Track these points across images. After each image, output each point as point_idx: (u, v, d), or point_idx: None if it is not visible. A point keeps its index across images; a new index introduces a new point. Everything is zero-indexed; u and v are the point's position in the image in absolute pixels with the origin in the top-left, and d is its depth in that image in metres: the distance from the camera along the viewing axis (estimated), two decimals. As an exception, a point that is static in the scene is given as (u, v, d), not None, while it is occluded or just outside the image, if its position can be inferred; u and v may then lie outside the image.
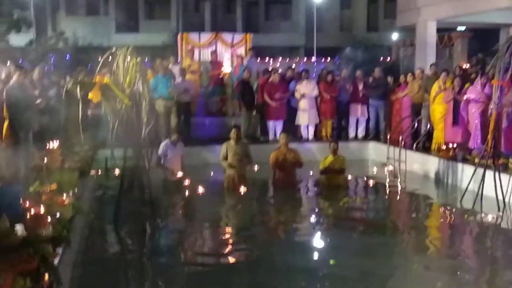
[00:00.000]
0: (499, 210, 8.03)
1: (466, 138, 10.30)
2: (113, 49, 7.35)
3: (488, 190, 8.26)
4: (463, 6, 14.66)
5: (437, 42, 17.32)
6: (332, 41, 26.05)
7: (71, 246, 5.16)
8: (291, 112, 12.62)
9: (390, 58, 21.86)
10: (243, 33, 16.41)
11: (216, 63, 13.94)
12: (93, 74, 9.21)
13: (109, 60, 7.65)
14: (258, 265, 6.14)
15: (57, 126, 9.44)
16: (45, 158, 7.51)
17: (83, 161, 8.46)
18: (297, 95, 12.42)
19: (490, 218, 7.88)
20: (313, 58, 20.31)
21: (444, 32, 18.77)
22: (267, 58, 18.23)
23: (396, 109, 12.46)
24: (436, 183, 10.39)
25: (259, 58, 15.80)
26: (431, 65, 12.81)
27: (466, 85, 10.46)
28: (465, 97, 10.12)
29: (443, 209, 8.84)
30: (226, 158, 9.48)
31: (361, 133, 13.09)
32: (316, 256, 6.69)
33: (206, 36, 14.82)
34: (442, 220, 8.53)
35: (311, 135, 12.72)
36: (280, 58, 18.81)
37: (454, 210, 8.60)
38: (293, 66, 15.22)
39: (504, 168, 8.72)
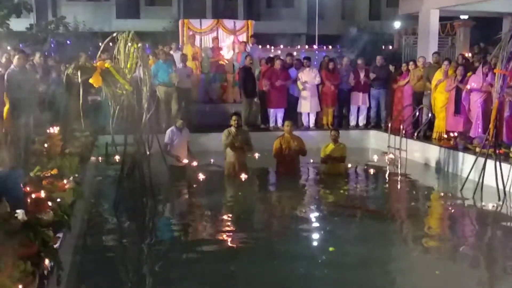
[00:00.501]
0: (499, 199, 8.04)
1: (468, 127, 10.29)
2: (114, 35, 7.30)
3: (489, 179, 8.26)
4: (466, -5, 14.58)
5: (439, 30, 17.21)
6: (334, 29, 25.91)
7: (71, 231, 5.17)
8: (291, 100, 12.58)
9: (392, 47, 21.75)
10: (244, 20, 16.30)
11: (217, 50, 13.88)
12: (93, 59, 9.18)
13: (110, 45, 7.62)
14: (257, 252, 6.16)
15: (58, 111, 9.43)
16: (46, 143, 7.51)
17: (83, 146, 8.46)
18: (299, 84, 12.36)
19: (490, 207, 7.89)
20: (315, 46, 20.22)
21: (447, 21, 18.65)
22: (268, 45, 18.13)
23: (397, 98, 12.43)
24: (437, 172, 10.40)
25: (260, 46, 15.71)
26: (433, 54, 12.75)
27: (468, 74, 10.42)
28: (468, 86, 10.09)
29: (443, 197, 8.84)
30: (227, 145, 9.46)
31: (362, 121, 13.06)
32: (315, 243, 6.71)
33: (207, 23, 14.72)
34: (442, 208, 8.53)
35: (312, 123, 12.70)
36: (282, 46, 18.71)
37: (454, 199, 8.61)
38: (294, 53, 15.15)
39: (505, 158, 8.71)
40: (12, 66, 8.60)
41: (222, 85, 13.76)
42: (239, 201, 8.52)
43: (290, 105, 12.54)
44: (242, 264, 5.82)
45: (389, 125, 11.24)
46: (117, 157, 9.11)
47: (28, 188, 5.26)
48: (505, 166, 8.27)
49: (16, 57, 8.63)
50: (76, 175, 6.42)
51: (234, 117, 9.54)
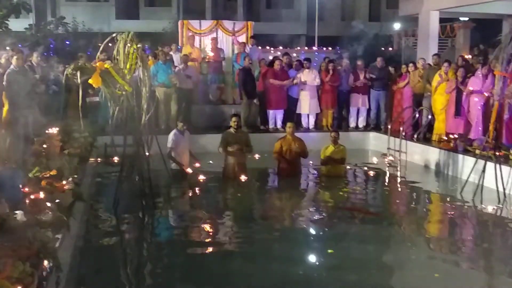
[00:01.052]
0: (499, 202, 8.03)
1: (467, 129, 10.29)
2: (114, 35, 7.29)
3: (489, 181, 8.25)
4: (466, -4, 14.59)
5: (439, 32, 17.23)
6: (334, 30, 25.93)
7: (70, 232, 5.15)
8: (290, 101, 12.57)
9: (392, 48, 21.76)
10: (244, 21, 16.30)
11: (214, 50, 13.85)
12: (93, 60, 9.16)
13: (110, 46, 7.60)
14: (256, 254, 6.14)
15: (57, 112, 9.41)
16: (45, 144, 7.49)
17: (82, 147, 8.43)
18: (299, 89, 12.35)
19: (490, 209, 7.88)
20: (315, 47, 20.22)
21: (447, 23, 18.67)
22: (268, 47, 18.12)
23: (397, 100, 12.42)
24: (437, 174, 10.39)
25: (260, 47, 15.71)
26: (433, 56, 12.75)
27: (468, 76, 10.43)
28: (470, 88, 10.08)
29: (443, 200, 8.84)
30: (226, 146, 9.45)
31: (361, 123, 13.05)
32: (315, 245, 6.68)
33: (207, 24, 14.72)
34: (441, 211, 8.52)
35: (311, 124, 12.69)
36: (281, 47, 18.70)
37: (454, 201, 8.60)
38: (294, 54, 15.14)
39: (505, 160, 8.70)
40: (11, 66, 8.58)
41: (219, 86, 13.75)
42: (239, 203, 8.50)
43: (290, 106, 12.53)
44: (241, 266, 5.81)
45: (389, 127, 11.23)
46: (116, 158, 9.09)
47: (27, 189, 5.24)
48: (505, 168, 8.26)
49: (15, 57, 8.63)
50: (75, 176, 6.39)
51: (234, 119, 9.52)
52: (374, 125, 13.01)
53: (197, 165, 9.68)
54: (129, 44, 7.17)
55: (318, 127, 12.78)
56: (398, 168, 10.39)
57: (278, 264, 5.76)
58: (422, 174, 10.52)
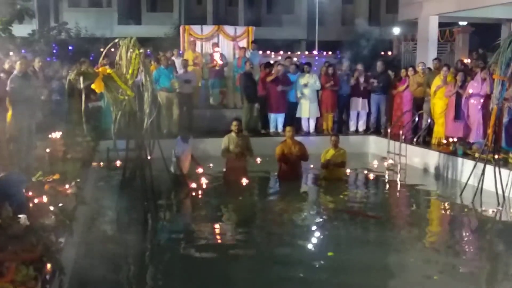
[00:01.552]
0: (498, 204, 8.07)
1: (467, 133, 10.33)
2: (116, 40, 7.37)
3: (488, 184, 8.30)
4: (465, 1, 14.62)
5: (438, 36, 17.28)
6: (334, 35, 25.99)
7: (73, 236, 5.21)
8: (290, 105, 12.62)
9: (392, 53, 21.80)
10: (245, 26, 16.38)
11: (215, 55, 13.91)
12: (95, 65, 9.23)
13: (112, 51, 7.68)
14: (257, 257, 6.18)
15: (60, 116, 9.48)
16: (48, 148, 7.55)
17: (85, 151, 8.50)
18: (298, 93, 12.39)
19: (489, 212, 7.92)
20: (315, 52, 20.27)
21: (446, 27, 18.72)
22: (268, 51, 18.18)
23: (397, 103, 12.46)
24: (436, 177, 10.43)
25: (261, 51, 15.78)
26: (433, 60, 12.81)
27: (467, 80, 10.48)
28: (470, 91, 10.13)
29: (442, 203, 8.87)
30: (227, 150, 9.50)
31: (361, 127, 13.10)
32: (315, 248, 6.72)
33: (208, 29, 14.81)
34: (441, 214, 8.56)
35: (312, 128, 12.74)
36: (282, 52, 18.75)
37: (454, 204, 8.64)
38: (295, 59, 15.18)
39: (504, 163, 8.75)
40: (15, 72, 8.66)
41: (221, 90, 13.81)
42: (239, 206, 8.54)
43: (290, 110, 12.57)
44: (241, 269, 5.86)
45: (389, 130, 11.28)
46: (118, 162, 9.15)
47: (30, 193, 5.29)
48: (504, 172, 8.31)
49: (18, 62, 8.69)
50: (78, 180, 6.46)
51: (235, 123, 9.59)
52: (374, 129, 13.05)
53: (200, 170, 9.72)
54: (131, 50, 7.26)
55: (318, 131, 12.83)
56: (398, 172, 10.44)
57: (279, 267, 5.81)
58: (422, 177, 10.56)
